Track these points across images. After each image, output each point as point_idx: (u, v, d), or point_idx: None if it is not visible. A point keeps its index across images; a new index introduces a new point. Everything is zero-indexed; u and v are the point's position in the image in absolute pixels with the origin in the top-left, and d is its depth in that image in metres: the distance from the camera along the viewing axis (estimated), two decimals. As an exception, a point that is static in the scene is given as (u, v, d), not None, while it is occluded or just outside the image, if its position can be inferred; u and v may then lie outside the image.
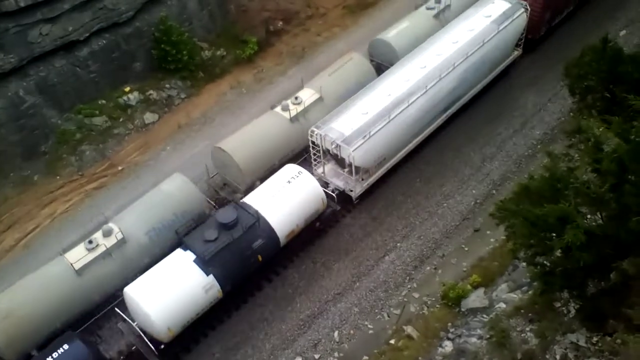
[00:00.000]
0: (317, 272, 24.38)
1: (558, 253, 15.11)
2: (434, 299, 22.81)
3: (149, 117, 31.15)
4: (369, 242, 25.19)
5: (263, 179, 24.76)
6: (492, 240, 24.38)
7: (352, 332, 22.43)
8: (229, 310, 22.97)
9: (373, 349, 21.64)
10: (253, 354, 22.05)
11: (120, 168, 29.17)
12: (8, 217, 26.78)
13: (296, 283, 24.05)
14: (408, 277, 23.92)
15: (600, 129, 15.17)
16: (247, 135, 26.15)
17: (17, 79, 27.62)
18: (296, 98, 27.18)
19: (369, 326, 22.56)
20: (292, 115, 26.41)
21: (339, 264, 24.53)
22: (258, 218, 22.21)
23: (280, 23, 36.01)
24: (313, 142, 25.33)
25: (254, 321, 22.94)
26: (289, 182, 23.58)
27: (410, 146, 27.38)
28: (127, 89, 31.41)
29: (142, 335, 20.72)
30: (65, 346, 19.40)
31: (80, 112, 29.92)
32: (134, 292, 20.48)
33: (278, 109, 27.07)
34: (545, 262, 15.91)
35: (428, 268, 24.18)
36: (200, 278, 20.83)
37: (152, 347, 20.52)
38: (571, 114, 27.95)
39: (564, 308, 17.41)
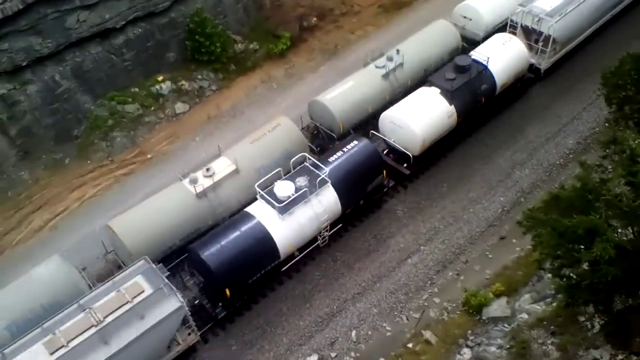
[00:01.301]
0: (337, 270, 24.29)
1: (585, 266, 14.82)
2: (454, 305, 22.54)
3: (179, 107, 31.43)
4: (391, 244, 24.99)
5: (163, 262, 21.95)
6: (517, 249, 23.98)
7: (369, 332, 22.29)
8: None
9: (390, 351, 21.49)
10: (270, 349, 22.07)
11: (149, 156, 29.50)
12: (38, 198, 27.33)
13: (316, 280, 24.00)
14: (429, 282, 23.68)
15: (637, 141, 14.81)
16: (143, 213, 22.97)
17: (53, 64, 28.13)
18: (208, 169, 23.65)
19: (387, 328, 22.39)
20: (198, 191, 23.03)
21: (360, 264, 24.40)
22: (486, 66, 27.10)
23: (314, 19, 35.94)
24: (512, 20, 29.96)
25: (271, 316, 22.97)
26: (503, 44, 28.51)
27: (589, 32, 31.87)
28: (160, 78, 31.73)
29: (400, 148, 25.78)
30: (356, 142, 24.33)
31: (113, 98, 30.36)
32: (397, 113, 25.71)
33: (186, 181, 23.47)
34: (571, 274, 15.63)
35: (450, 273, 23.89)
36: (445, 106, 26.01)
37: (410, 154, 25.59)
38: (606, 124, 27.36)
39: (588, 323, 17.09)
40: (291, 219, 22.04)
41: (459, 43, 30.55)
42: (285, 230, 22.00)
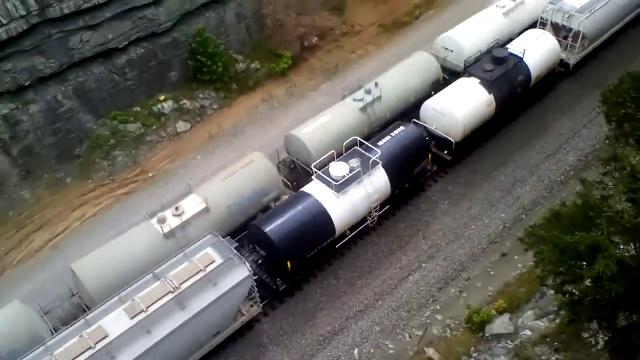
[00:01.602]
0: (339, 288, 24.20)
1: (588, 282, 14.81)
2: (457, 322, 22.44)
3: (181, 125, 31.61)
4: (393, 261, 24.95)
5: None
6: (519, 265, 23.94)
7: (372, 350, 22.14)
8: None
9: (393, 369, 21.35)
10: (271, 368, 21.97)
11: (150, 174, 29.59)
12: (39, 218, 27.33)
13: (318, 298, 23.91)
14: (432, 299, 23.59)
15: (637, 158, 14.88)
16: (107, 255, 22.00)
17: (56, 84, 28.35)
18: (177, 208, 22.74)
19: (390, 346, 22.26)
20: (166, 231, 22.09)
21: (362, 281, 24.33)
22: (522, 58, 28.63)
23: (315, 39, 36.30)
24: (542, 18, 31.77)
25: (273, 334, 22.83)
26: (536, 39, 30.12)
27: (615, 28, 33.80)
28: (162, 97, 31.96)
29: (442, 134, 27.02)
30: (402, 127, 25.82)
31: (115, 118, 30.54)
32: (439, 101, 27.22)
33: (154, 220, 22.60)
34: (574, 290, 15.60)
35: (452, 290, 23.81)
36: (484, 95, 27.47)
37: (452, 139, 26.76)
38: (606, 141, 27.47)
39: (591, 339, 17.01)
40: (346, 198, 23.38)
41: (440, 75, 30.12)
42: (341, 208, 23.31)
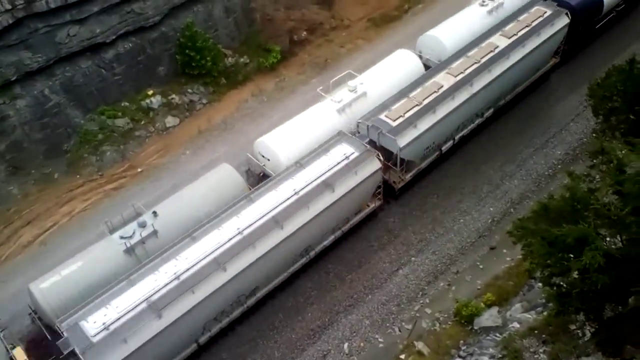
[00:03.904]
0: (329, 282, 24.28)
1: (575, 274, 14.90)
2: (446, 315, 22.58)
3: (170, 120, 31.46)
4: (382, 255, 25.04)
5: None
6: (508, 259, 24.10)
7: (362, 344, 22.26)
8: (244, 314, 22.95)
9: (383, 363, 21.45)
10: (261, 362, 22.00)
11: (139, 170, 29.44)
12: (28, 213, 27.15)
13: (308, 292, 23.96)
14: (421, 292, 23.72)
15: (624, 151, 14.99)
16: None
17: (43, 78, 28.09)
18: None
19: (380, 340, 22.37)
20: None
21: (352, 276, 24.41)
22: None
23: (305, 33, 36.20)
24: None
25: (263, 329, 22.88)
26: None
27: None
28: (150, 92, 31.77)
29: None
30: None
31: (103, 113, 30.32)
32: None
33: None
34: (561, 283, 15.71)
35: (442, 284, 23.96)
36: None
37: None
38: (594, 134, 27.70)
39: (579, 331, 17.17)
40: None
41: (244, 190, 23.45)
42: None
